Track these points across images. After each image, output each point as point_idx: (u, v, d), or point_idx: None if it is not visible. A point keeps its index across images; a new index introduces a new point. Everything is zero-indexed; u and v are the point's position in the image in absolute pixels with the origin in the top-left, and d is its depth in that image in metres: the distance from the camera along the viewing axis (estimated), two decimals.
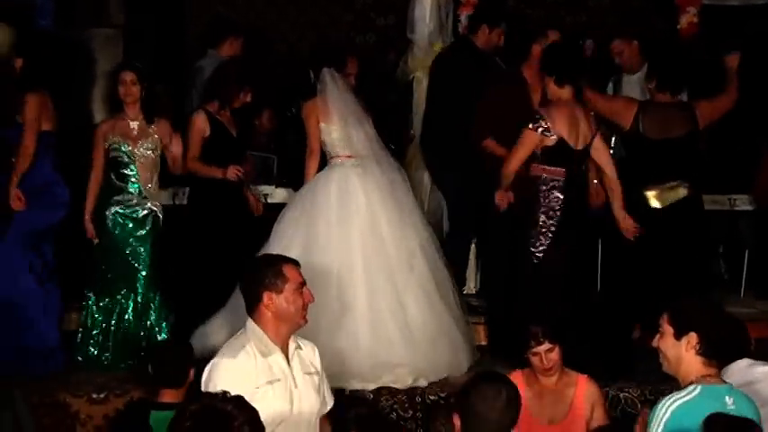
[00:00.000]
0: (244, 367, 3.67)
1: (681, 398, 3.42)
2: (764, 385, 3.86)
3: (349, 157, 5.77)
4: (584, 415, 4.64)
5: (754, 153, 7.24)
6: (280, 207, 6.28)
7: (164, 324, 5.89)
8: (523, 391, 4.53)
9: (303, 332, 3.94)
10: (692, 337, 3.49)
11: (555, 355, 4.60)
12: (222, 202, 6.06)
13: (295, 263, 3.93)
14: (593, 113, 5.61)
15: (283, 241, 5.55)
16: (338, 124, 5.76)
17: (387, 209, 5.66)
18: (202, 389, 3.67)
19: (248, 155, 6.73)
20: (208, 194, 6.10)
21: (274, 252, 5.28)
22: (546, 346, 4.58)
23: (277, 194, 6.81)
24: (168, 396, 4.51)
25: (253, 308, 3.80)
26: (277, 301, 3.76)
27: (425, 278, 5.66)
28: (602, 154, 5.63)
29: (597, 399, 4.72)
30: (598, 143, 5.62)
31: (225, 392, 2.75)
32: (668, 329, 3.55)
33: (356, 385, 5.22)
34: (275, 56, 9.13)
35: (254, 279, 3.81)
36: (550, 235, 5.49)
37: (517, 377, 4.59)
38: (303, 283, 3.86)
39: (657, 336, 3.59)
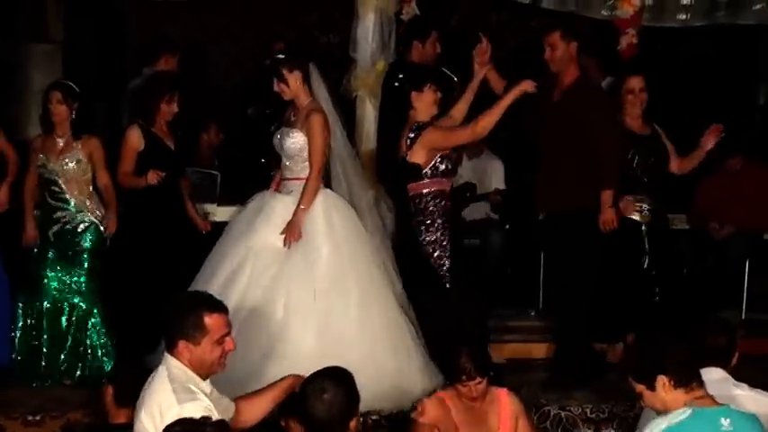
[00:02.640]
0: (209, 405, 3.60)
1: (669, 421, 3.34)
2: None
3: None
4: (511, 429, 4.64)
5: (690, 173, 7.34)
6: (222, 226, 6.22)
7: (104, 340, 5.82)
8: (452, 410, 4.57)
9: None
10: (662, 378, 3.44)
11: (483, 385, 4.57)
12: (158, 220, 5.96)
13: (221, 310, 3.76)
14: (415, 123, 5.57)
15: (207, 270, 5.42)
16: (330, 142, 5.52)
17: (343, 234, 5.47)
18: None
19: (191, 171, 6.67)
20: (143, 211, 6.00)
21: (201, 278, 5.23)
22: (477, 380, 4.54)
23: (220, 213, 6.70)
24: (123, 417, 4.41)
25: (170, 349, 3.70)
26: (193, 351, 3.65)
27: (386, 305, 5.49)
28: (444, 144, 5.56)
29: (520, 410, 4.71)
30: (420, 143, 5.52)
31: (206, 417, 2.70)
32: (640, 388, 3.51)
33: None
34: (219, 71, 9.11)
35: (172, 324, 3.68)
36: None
37: (444, 397, 4.60)
38: (227, 334, 3.72)
39: (640, 399, 3.56)
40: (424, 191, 5.55)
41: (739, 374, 4.08)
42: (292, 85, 5.50)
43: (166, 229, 5.98)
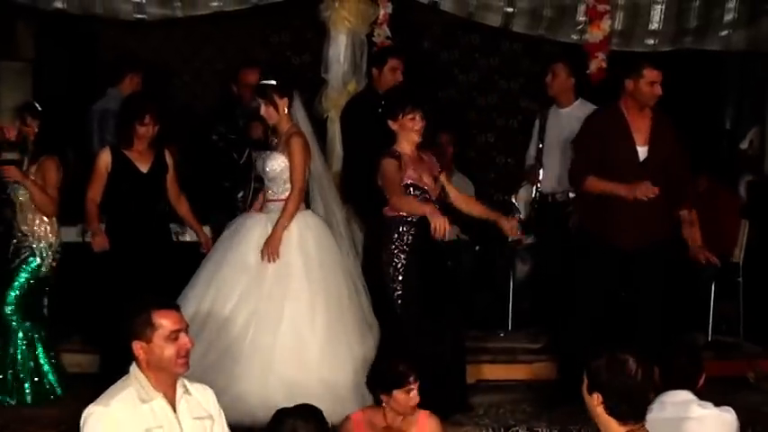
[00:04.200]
0: (116, 416, 3.56)
1: None
2: (693, 425, 3.90)
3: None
4: None
5: None
6: (190, 246, 6.19)
7: (41, 360, 5.81)
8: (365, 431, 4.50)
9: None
10: (597, 397, 3.32)
11: (416, 393, 4.48)
12: (129, 244, 5.90)
13: (172, 307, 3.78)
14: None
15: (189, 292, 5.45)
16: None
17: (316, 254, 5.51)
18: None
19: None
20: (116, 236, 5.94)
21: (183, 299, 5.23)
22: (415, 384, 4.45)
23: (188, 233, 6.64)
24: None
25: (130, 354, 3.72)
26: (147, 350, 3.65)
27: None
28: None
29: None
30: None
31: None
32: (585, 381, 3.39)
33: None
34: (190, 92, 9.10)
35: (124, 328, 3.70)
36: None
37: (357, 417, 4.54)
38: (179, 330, 3.71)
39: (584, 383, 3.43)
40: (387, 214, 5.51)
41: (707, 396, 4.11)
42: (280, 111, 5.56)
43: (139, 253, 5.87)
